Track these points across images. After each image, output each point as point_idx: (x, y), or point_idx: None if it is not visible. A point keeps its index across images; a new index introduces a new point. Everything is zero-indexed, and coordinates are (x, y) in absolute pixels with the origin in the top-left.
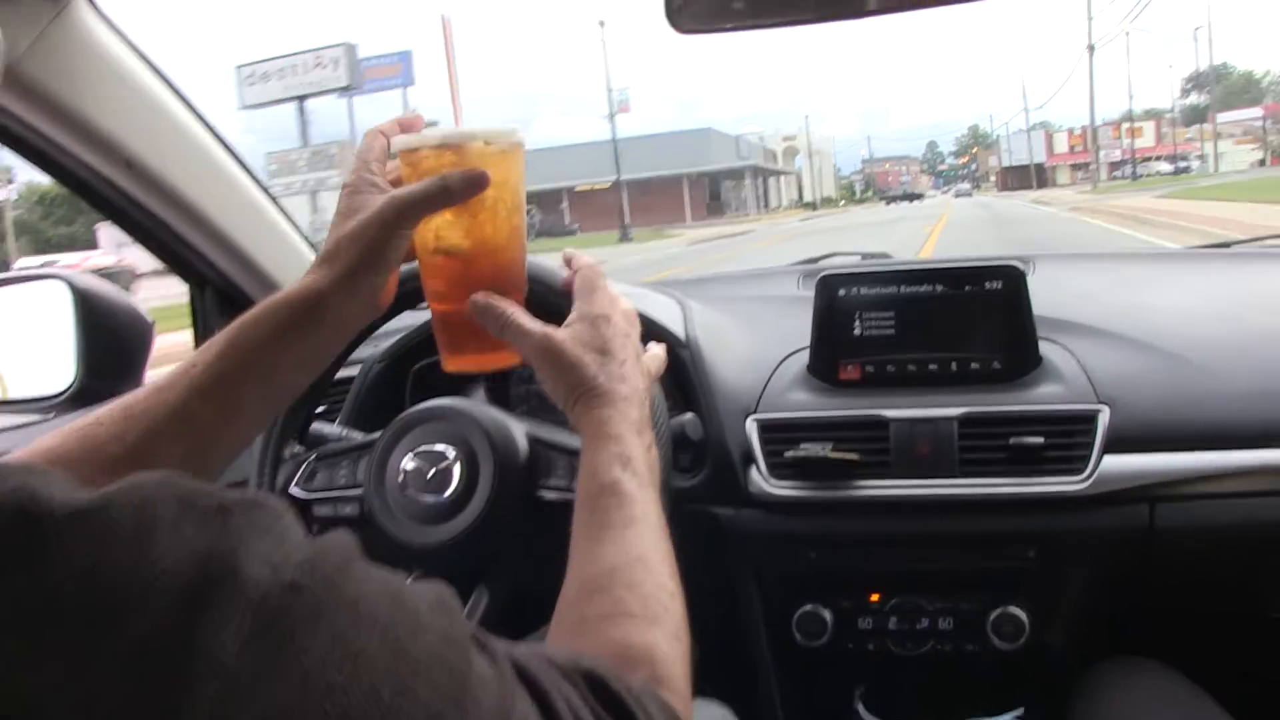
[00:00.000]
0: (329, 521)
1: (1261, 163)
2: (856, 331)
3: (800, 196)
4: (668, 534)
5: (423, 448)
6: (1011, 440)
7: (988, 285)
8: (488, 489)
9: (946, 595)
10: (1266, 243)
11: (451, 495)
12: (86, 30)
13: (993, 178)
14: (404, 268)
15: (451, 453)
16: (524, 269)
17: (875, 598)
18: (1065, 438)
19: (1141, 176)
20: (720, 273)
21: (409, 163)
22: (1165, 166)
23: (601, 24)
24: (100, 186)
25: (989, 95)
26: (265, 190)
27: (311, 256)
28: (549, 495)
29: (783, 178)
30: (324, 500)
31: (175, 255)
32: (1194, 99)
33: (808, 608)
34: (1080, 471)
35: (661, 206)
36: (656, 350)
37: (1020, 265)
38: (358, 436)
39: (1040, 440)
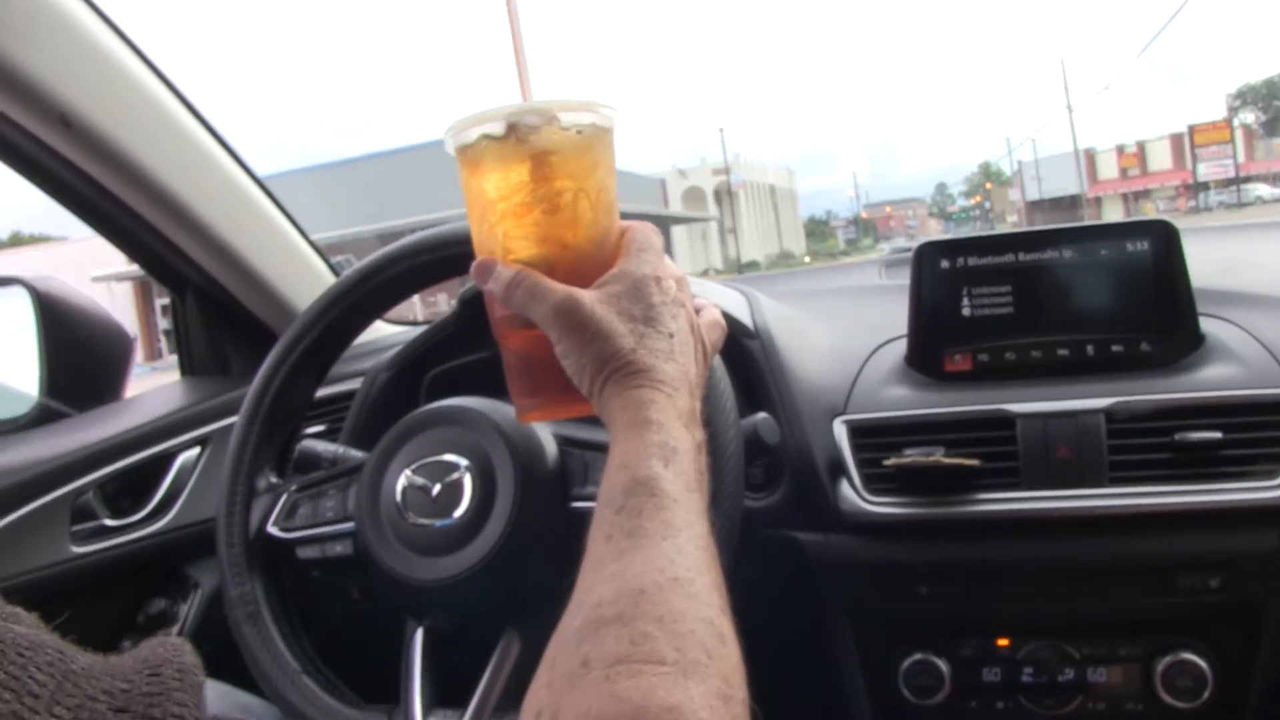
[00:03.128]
0: (316, 565)
1: None
2: (965, 312)
3: (738, 253)
4: (717, 556)
5: (425, 460)
6: (1177, 437)
7: (1130, 247)
8: (508, 505)
9: (1099, 639)
10: None
11: (463, 516)
12: None
13: (1012, 218)
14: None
15: (461, 463)
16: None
17: (1004, 643)
18: (1250, 431)
19: None
20: (784, 271)
21: (467, 161)
22: (1265, 190)
23: None
24: (28, 147)
25: (1004, 124)
26: (245, 167)
27: (312, 254)
28: (586, 506)
29: (713, 225)
30: (309, 540)
31: (140, 245)
32: (1244, 117)
33: (918, 657)
34: (1275, 474)
35: None
36: (712, 313)
37: None
38: (357, 454)
39: (1218, 435)
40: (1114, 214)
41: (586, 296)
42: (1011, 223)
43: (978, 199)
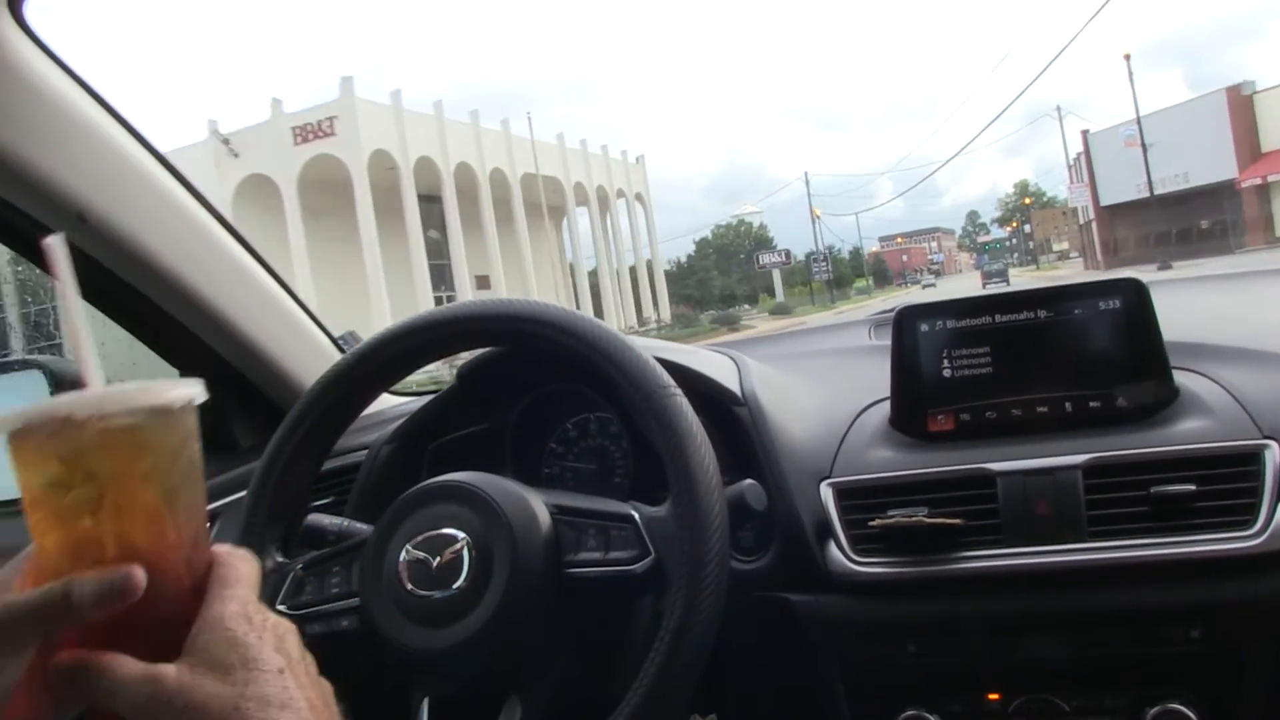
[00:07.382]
0: (324, 640)
1: None
2: (946, 373)
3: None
4: None
5: (424, 535)
6: (1153, 490)
7: (1102, 305)
8: (504, 575)
9: (1087, 690)
10: None
11: (460, 587)
12: (15, 57)
13: (1060, 245)
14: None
15: (459, 536)
16: (192, 584)
17: (995, 697)
18: (1223, 483)
19: None
20: (775, 332)
21: (16, 457)
22: None
23: None
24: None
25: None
26: (247, 245)
27: (316, 331)
28: (580, 572)
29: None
30: (316, 616)
31: (151, 329)
32: None
33: (911, 713)
34: (1248, 524)
35: None
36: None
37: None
38: (361, 528)
39: (1191, 488)
40: None
41: (170, 673)
42: (1059, 251)
43: (1014, 224)
